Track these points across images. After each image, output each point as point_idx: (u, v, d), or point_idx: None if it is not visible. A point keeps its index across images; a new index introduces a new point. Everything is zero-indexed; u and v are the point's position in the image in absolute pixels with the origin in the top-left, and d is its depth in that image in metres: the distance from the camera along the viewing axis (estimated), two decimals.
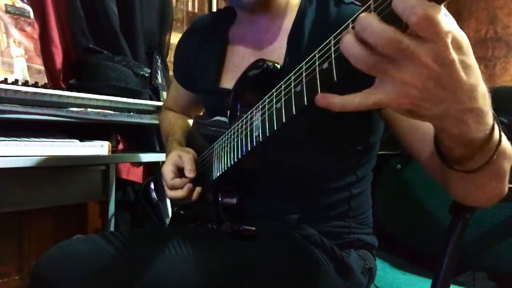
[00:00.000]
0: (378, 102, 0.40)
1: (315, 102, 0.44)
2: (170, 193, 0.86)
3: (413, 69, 0.38)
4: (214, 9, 2.29)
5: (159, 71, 1.84)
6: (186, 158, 0.86)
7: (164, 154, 1.10)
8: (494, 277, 1.05)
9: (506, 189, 0.58)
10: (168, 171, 0.86)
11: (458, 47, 0.39)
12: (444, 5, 0.37)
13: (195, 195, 0.85)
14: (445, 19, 0.36)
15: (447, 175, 0.57)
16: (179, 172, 0.86)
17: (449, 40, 0.37)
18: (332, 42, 0.46)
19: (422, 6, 0.35)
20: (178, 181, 0.85)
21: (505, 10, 2.91)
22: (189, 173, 0.84)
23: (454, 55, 0.38)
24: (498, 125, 0.47)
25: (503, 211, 0.90)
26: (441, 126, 0.44)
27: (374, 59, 0.39)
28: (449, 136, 0.46)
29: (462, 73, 0.39)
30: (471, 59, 0.40)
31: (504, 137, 0.49)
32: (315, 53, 0.49)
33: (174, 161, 0.87)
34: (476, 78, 0.41)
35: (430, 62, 0.37)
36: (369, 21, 0.38)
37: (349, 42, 0.40)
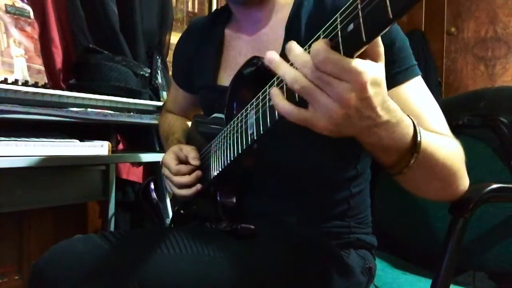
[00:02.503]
0: (304, 119, 0.48)
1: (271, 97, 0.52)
2: (176, 179, 0.85)
3: (338, 100, 0.45)
4: (214, 9, 2.29)
5: (159, 71, 1.84)
6: (188, 148, 0.87)
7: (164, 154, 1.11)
8: (494, 277, 1.05)
9: (462, 188, 0.66)
10: (170, 158, 0.87)
11: (376, 83, 0.45)
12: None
13: (198, 186, 0.85)
14: (358, 61, 0.43)
15: None
16: (181, 162, 0.87)
17: (364, 79, 0.43)
18: (322, 36, 0.47)
19: (324, 52, 0.43)
20: (183, 166, 0.85)
21: (505, 10, 2.91)
22: (193, 160, 0.84)
23: (370, 91, 0.44)
24: (418, 133, 0.54)
25: (503, 211, 0.90)
26: (358, 138, 0.52)
27: (305, 83, 0.46)
28: (367, 145, 0.53)
29: (375, 102, 0.46)
30: (383, 88, 0.47)
31: (430, 142, 0.56)
32: (305, 48, 0.49)
33: (174, 152, 0.88)
34: (384, 97, 0.48)
35: (349, 96, 0.44)
36: (295, 49, 0.47)
37: (284, 68, 0.48)
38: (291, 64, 0.49)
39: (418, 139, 0.54)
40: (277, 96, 0.51)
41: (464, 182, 0.67)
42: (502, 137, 0.91)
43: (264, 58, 0.51)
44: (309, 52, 0.47)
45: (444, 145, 0.61)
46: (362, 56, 0.45)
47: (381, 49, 0.46)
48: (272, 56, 0.50)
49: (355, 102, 0.45)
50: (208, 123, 0.90)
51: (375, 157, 0.58)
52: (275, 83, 0.57)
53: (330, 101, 0.45)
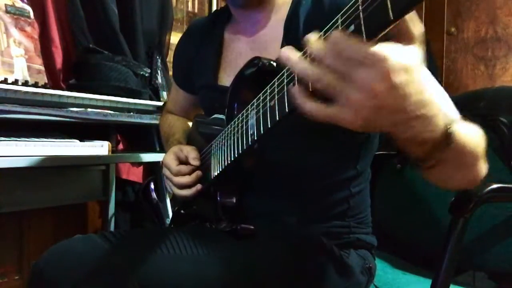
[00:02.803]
0: (333, 116, 0.44)
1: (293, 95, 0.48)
2: (176, 179, 0.85)
3: (362, 90, 0.41)
4: (214, 9, 2.29)
5: (159, 71, 1.84)
6: (188, 148, 0.87)
7: (163, 154, 1.11)
8: (494, 277, 1.05)
9: (482, 174, 0.61)
10: (171, 159, 0.87)
11: (405, 69, 0.41)
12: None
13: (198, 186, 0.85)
14: (380, 45, 0.40)
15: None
16: (181, 163, 0.87)
17: (388, 63, 0.40)
18: (323, 37, 0.47)
19: (344, 38, 0.41)
20: (184, 167, 0.85)
21: (505, 10, 2.91)
22: (194, 160, 0.84)
23: (397, 78, 0.41)
24: (452, 122, 0.50)
25: (503, 211, 0.90)
26: (392, 132, 0.47)
27: (328, 77, 0.43)
28: (401, 140, 0.49)
29: (407, 92, 0.42)
30: (415, 76, 0.42)
31: (462, 134, 0.52)
32: (306, 49, 0.49)
33: (175, 152, 0.88)
34: (420, 89, 0.43)
35: (376, 85, 0.41)
36: (312, 41, 0.44)
37: (303, 65, 0.45)
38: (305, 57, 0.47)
39: (453, 128, 0.50)
40: (301, 95, 0.47)
41: (484, 167, 0.62)
42: (502, 137, 0.91)
43: (280, 54, 0.48)
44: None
45: (471, 132, 0.57)
46: (396, 39, 0.42)
47: (416, 30, 0.43)
48: (289, 54, 0.47)
49: (382, 91, 0.41)
50: (208, 123, 0.90)
51: (408, 152, 0.53)
52: (276, 84, 0.57)
53: (356, 92, 0.42)
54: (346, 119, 0.44)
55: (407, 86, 0.41)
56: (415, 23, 0.42)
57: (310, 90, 0.46)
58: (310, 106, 0.46)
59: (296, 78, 0.50)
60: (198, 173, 0.85)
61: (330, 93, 0.44)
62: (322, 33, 0.47)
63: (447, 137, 0.49)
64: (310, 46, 0.45)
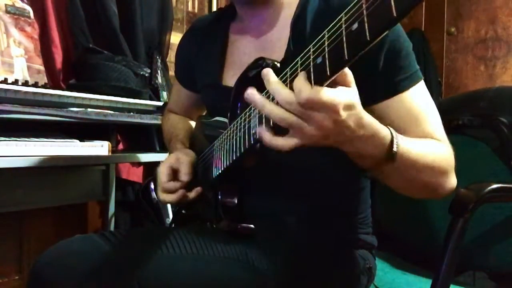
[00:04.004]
0: (293, 146, 0.55)
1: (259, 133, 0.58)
2: (161, 195, 0.85)
3: (315, 127, 0.52)
4: (214, 9, 2.29)
5: (159, 71, 1.84)
6: (184, 160, 0.86)
7: (164, 154, 1.10)
8: (494, 277, 1.05)
9: (447, 188, 0.68)
10: (163, 173, 0.85)
11: (349, 106, 0.51)
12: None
13: (192, 194, 0.84)
14: (331, 92, 0.49)
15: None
16: (174, 174, 0.86)
17: (337, 107, 0.49)
18: (326, 36, 0.47)
19: (306, 92, 0.49)
20: (172, 184, 0.84)
21: (505, 10, 2.91)
22: (184, 176, 0.83)
23: (343, 115, 0.50)
24: (393, 143, 0.59)
25: (503, 211, 0.90)
26: (340, 148, 0.58)
27: (291, 120, 0.52)
28: (347, 153, 0.61)
29: (350, 122, 0.52)
30: (357, 106, 0.53)
31: (410, 150, 0.62)
32: (310, 48, 0.50)
33: (170, 164, 0.86)
34: (358, 115, 0.53)
35: (326, 123, 0.51)
36: (278, 88, 0.53)
37: (270, 106, 0.54)
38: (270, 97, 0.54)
39: (394, 149, 0.59)
40: (268, 134, 0.57)
41: (450, 182, 0.69)
42: (502, 137, 0.91)
43: (245, 96, 0.57)
44: (290, 84, 0.52)
45: (428, 152, 0.65)
46: (334, 85, 0.50)
47: (351, 77, 0.52)
48: (254, 97, 0.56)
49: (331, 126, 0.51)
50: (214, 126, 0.90)
51: (357, 163, 0.63)
52: (288, 76, 0.58)
53: (311, 129, 0.52)
54: (298, 143, 0.55)
55: (349, 119, 0.52)
56: (348, 72, 0.51)
57: (272, 126, 0.56)
58: (276, 141, 0.56)
59: (264, 118, 0.58)
60: (181, 192, 0.83)
61: (290, 130, 0.54)
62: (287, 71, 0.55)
63: (389, 155, 0.59)
64: (277, 96, 0.52)
